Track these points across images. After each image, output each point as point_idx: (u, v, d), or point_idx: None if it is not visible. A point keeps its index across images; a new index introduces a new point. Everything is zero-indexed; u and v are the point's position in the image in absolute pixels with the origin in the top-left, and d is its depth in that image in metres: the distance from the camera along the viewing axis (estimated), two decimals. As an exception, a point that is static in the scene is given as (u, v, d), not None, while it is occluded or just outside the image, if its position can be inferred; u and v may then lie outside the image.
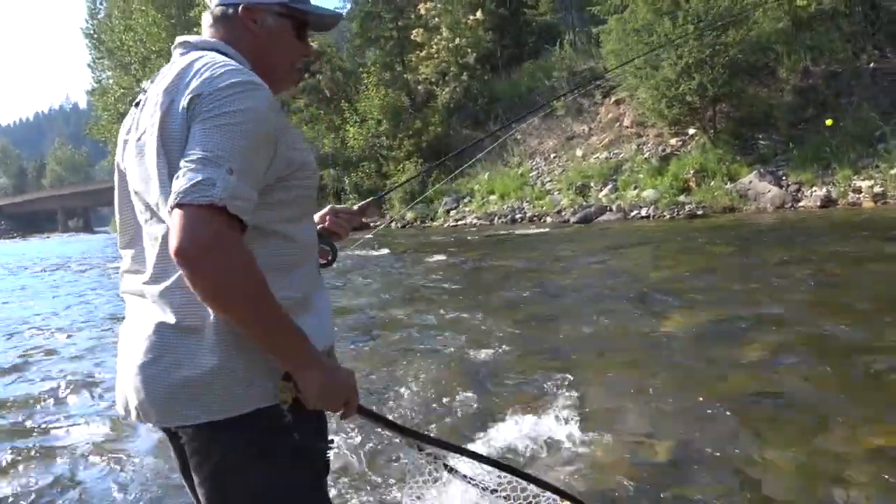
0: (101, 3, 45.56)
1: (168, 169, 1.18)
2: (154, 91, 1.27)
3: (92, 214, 78.04)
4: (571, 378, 3.99)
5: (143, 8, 31.48)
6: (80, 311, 8.79)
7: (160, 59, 31.20)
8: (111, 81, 40.27)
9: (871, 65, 13.71)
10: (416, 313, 6.55)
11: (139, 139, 1.27)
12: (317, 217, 1.85)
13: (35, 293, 11.61)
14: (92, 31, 44.74)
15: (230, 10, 1.39)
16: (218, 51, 1.34)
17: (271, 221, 1.28)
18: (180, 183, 1.12)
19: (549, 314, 5.91)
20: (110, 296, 9.93)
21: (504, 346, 4.87)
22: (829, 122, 11.60)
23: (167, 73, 1.28)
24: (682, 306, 5.60)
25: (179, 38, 1.41)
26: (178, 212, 1.10)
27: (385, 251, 12.72)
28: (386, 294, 8.05)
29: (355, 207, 1.95)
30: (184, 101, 1.20)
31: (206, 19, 1.43)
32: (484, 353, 4.74)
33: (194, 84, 1.21)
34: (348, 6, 27.83)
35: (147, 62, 32.09)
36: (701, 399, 3.46)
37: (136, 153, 1.28)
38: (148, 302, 1.27)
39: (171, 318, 1.22)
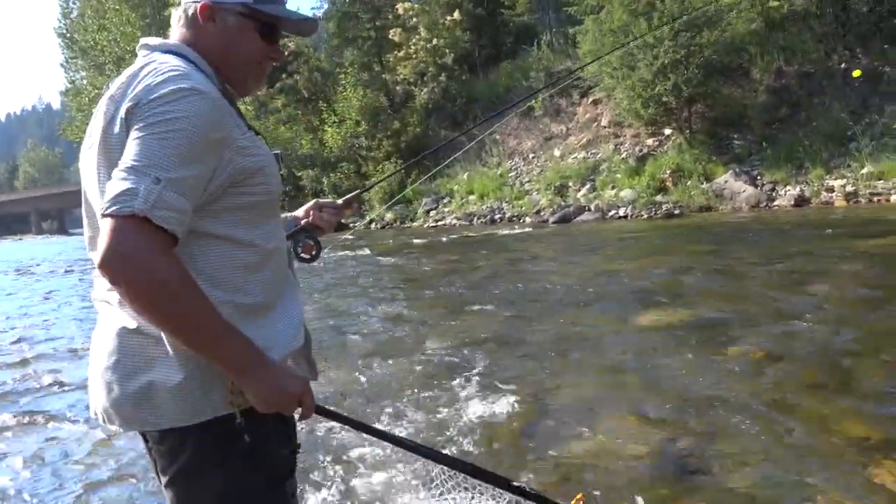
0: (73, 3, 44.87)
1: (107, 178, 1.17)
2: (103, 99, 1.26)
3: (66, 216, 76.75)
4: (546, 378, 4.00)
5: (117, 7, 31.07)
6: (56, 313, 8.66)
7: (134, 58, 30.62)
8: (85, 82, 39.64)
9: (843, 65, 13.93)
10: (392, 314, 6.54)
11: (90, 146, 1.27)
12: (301, 211, 1.87)
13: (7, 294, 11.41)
14: (65, 31, 44.01)
15: (191, 10, 1.37)
16: (176, 53, 1.32)
17: (222, 227, 1.27)
18: (107, 193, 1.12)
19: (526, 315, 5.92)
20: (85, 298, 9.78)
21: (479, 347, 4.87)
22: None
23: (118, 81, 1.26)
24: (658, 306, 5.64)
25: (142, 41, 1.39)
26: (103, 222, 1.11)
27: (363, 252, 12.67)
28: (361, 296, 8.01)
29: (339, 201, 1.94)
30: (123, 110, 1.19)
31: (174, 17, 1.41)
32: (459, 355, 4.74)
33: (134, 92, 1.20)
34: (325, 6, 27.71)
35: (122, 62, 31.60)
36: (675, 400, 3.48)
37: (86, 160, 1.28)
38: (113, 307, 1.27)
39: (131, 323, 1.23)
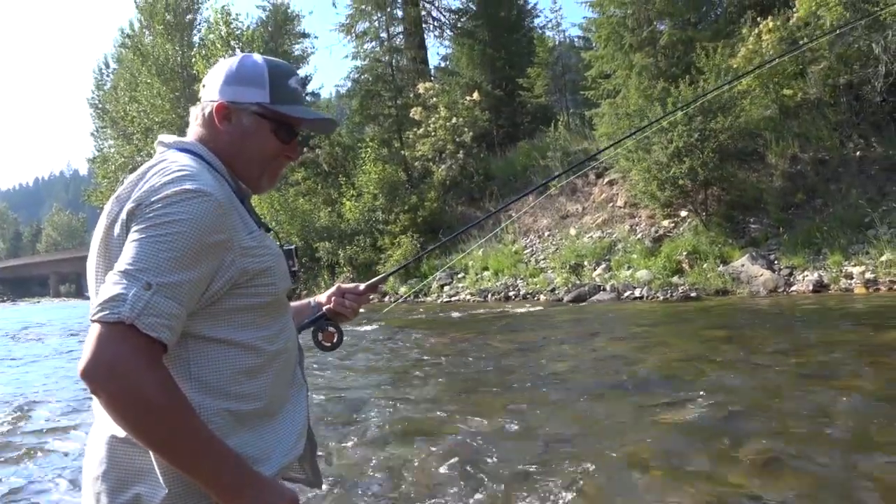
0: (107, 76, 46.90)
1: (103, 281, 1.16)
2: (111, 199, 1.27)
3: (84, 280, 77.63)
4: (558, 468, 3.86)
5: (149, 81, 32.28)
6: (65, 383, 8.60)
7: (162, 129, 31.83)
8: (113, 150, 40.93)
9: (858, 153, 14.03)
10: (403, 394, 6.42)
11: (94, 246, 1.27)
12: (323, 297, 1.85)
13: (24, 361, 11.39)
14: (97, 102, 45.89)
15: (207, 109, 1.39)
16: (190, 152, 1.33)
17: (221, 330, 1.24)
18: (98, 297, 1.11)
19: (540, 401, 5.78)
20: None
21: (492, 433, 4.74)
22: None
23: (127, 180, 1.27)
24: (674, 396, 5.49)
25: (159, 138, 1.41)
26: (91, 328, 1.09)
27: (376, 325, 12.60)
28: (372, 372, 7.90)
29: (361, 287, 1.90)
30: (125, 211, 1.19)
31: (192, 114, 1.43)
32: (470, 439, 4.61)
33: (138, 193, 1.20)
34: (349, 84, 28.57)
35: (149, 133, 32.67)
36: (693, 495, 3.33)
37: (89, 260, 1.29)
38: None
39: (120, 432, 1.18)
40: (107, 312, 1.08)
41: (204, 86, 1.42)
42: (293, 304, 1.90)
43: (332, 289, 1.87)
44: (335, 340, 1.78)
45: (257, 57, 1.42)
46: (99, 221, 1.28)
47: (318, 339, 1.79)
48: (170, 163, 1.26)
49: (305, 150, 25.85)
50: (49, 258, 73.66)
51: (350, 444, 4.87)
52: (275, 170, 1.46)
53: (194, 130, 1.41)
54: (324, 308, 1.83)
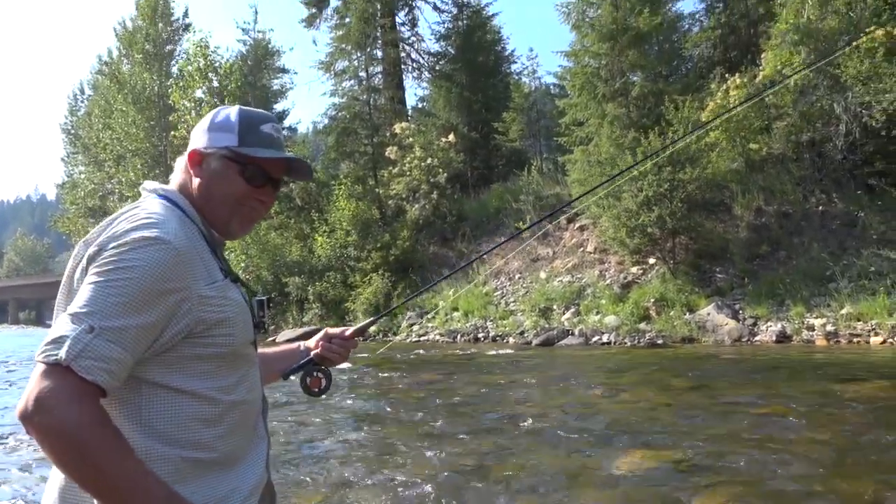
0: (82, 101, 46.61)
1: None
2: (81, 241, 1.29)
3: (45, 307, 75.67)
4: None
5: (125, 108, 32.12)
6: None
7: (135, 157, 31.60)
8: (83, 176, 40.47)
9: (820, 208, 14.45)
10: (362, 438, 6.33)
11: (61, 288, 1.30)
12: (312, 342, 1.85)
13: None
14: (70, 127, 45.47)
15: (185, 156, 1.44)
16: (167, 198, 1.36)
17: (175, 378, 1.25)
18: (46, 338, 1.13)
19: (506, 447, 5.75)
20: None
21: (454, 482, 4.68)
22: None
23: (99, 225, 1.29)
24: (637, 446, 5.49)
25: (144, 183, 1.44)
26: (34, 368, 1.11)
27: (343, 365, 12.44)
28: (335, 415, 7.79)
29: (348, 332, 1.89)
30: (87, 255, 1.22)
31: (178, 162, 1.47)
32: (431, 488, 4.54)
33: (102, 238, 1.23)
34: (326, 121, 28.74)
35: (121, 160, 32.41)
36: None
37: (56, 302, 1.31)
38: None
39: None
40: (46, 354, 1.10)
41: (187, 139, 1.50)
42: (279, 349, 1.90)
43: (320, 334, 1.87)
44: (323, 385, 1.78)
45: (234, 108, 1.46)
46: (69, 262, 1.30)
47: (307, 383, 1.78)
48: (140, 210, 1.29)
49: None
50: (10, 283, 71.80)
51: (296, 494, 4.77)
52: (247, 215, 1.46)
53: (177, 178, 1.45)
54: (312, 353, 1.82)
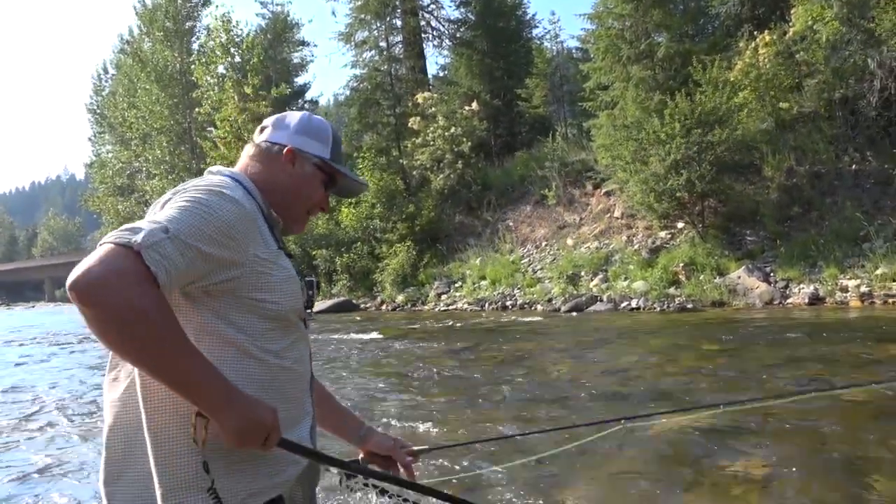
0: (106, 81, 46.95)
1: None
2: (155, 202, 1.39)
3: (80, 285, 77.26)
4: (554, 482, 3.88)
5: (148, 87, 32.31)
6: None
7: (160, 136, 31.88)
8: (110, 155, 40.98)
9: (854, 167, 14.13)
10: (397, 405, 6.42)
11: None
12: (384, 448, 1.85)
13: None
14: (95, 107, 45.91)
15: (275, 148, 1.53)
16: (234, 179, 1.44)
17: (227, 330, 1.31)
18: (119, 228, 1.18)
19: (537, 414, 5.81)
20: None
21: (487, 447, 4.75)
22: None
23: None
24: (674, 407, 5.50)
25: (208, 169, 1.52)
26: (97, 248, 1.14)
27: (374, 335, 12.61)
28: (371, 382, 7.91)
29: (408, 459, 1.87)
30: (162, 201, 1.32)
31: (247, 150, 1.56)
32: (463, 454, 4.62)
33: (183, 186, 1.34)
34: (348, 92, 28.64)
35: (147, 138, 32.71)
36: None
37: None
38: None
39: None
40: (118, 237, 1.13)
41: (264, 128, 1.57)
42: (341, 405, 1.94)
43: (388, 441, 1.86)
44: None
45: (321, 119, 1.62)
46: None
47: (344, 481, 1.71)
48: (210, 178, 1.41)
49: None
50: (44, 262, 73.40)
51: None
52: (307, 217, 1.62)
53: (244, 163, 1.54)
54: (361, 455, 1.85)
